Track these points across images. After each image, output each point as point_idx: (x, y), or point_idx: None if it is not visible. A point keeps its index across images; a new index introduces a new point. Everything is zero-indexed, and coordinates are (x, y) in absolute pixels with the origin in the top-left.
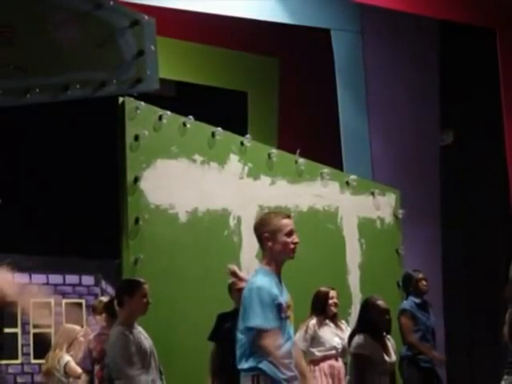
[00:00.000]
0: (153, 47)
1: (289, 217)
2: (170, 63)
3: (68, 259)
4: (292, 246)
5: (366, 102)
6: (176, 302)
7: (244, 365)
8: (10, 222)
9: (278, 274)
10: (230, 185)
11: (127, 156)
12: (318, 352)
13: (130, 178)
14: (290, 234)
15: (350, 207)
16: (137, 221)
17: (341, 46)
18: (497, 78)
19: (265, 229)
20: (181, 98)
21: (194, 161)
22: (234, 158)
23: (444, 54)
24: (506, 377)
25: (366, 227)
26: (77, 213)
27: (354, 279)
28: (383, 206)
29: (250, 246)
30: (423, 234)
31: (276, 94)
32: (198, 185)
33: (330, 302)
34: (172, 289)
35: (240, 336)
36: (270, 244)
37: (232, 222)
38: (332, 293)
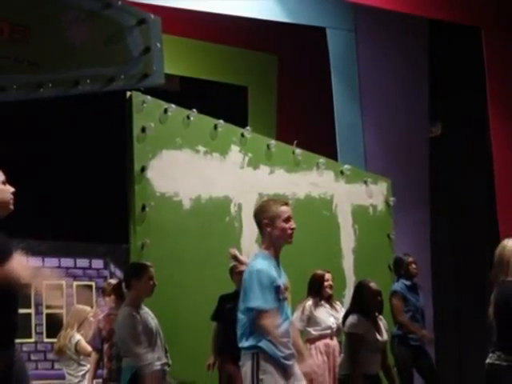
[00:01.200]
0: (158, 44)
1: (287, 204)
2: (175, 59)
3: (79, 244)
4: (290, 232)
5: (359, 96)
6: (180, 284)
7: (244, 343)
8: (25, 209)
9: (276, 257)
10: (231, 174)
11: (134, 147)
12: (314, 331)
13: (137, 167)
14: (287, 220)
15: (344, 195)
16: (143, 208)
17: (335, 43)
18: (482, 73)
19: (264, 215)
20: (185, 93)
21: (198, 151)
22: (234, 149)
23: (433, 50)
24: (491, 354)
25: (359, 214)
26: (87, 200)
27: (347, 263)
28: (375, 193)
29: (250, 231)
30: (413, 220)
31: (274, 89)
32: (201, 174)
33: (326, 284)
34: (176, 272)
35: (241, 316)
36: (269, 229)
37: (233, 209)
38: (327, 275)
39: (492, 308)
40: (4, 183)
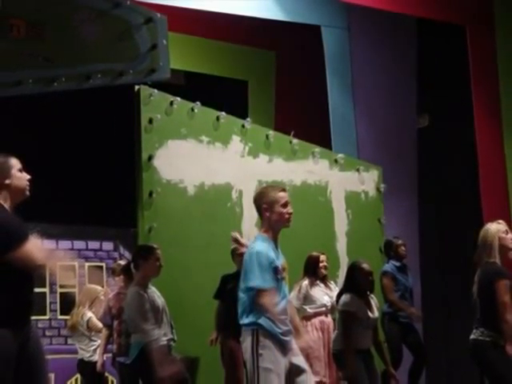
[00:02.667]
0: (165, 41)
1: (284, 190)
2: (180, 55)
3: (90, 227)
4: (287, 216)
5: (352, 90)
6: (185, 264)
7: (245, 320)
8: (40, 195)
9: (274, 240)
10: (232, 162)
11: (142, 137)
12: (309, 309)
13: (144, 156)
14: (285, 205)
15: (338, 182)
16: (151, 194)
17: (330, 40)
18: (467, 68)
19: (263, 201)
20: (189, 86)
21: (201, 141)
22: (236, 139)
23: (421, 47)
24: (474, 330)
25: (352, 199)
26: (98, 187)
27: (341, 245)
28: (367, 181)
29: (250, 216)
30: (402, 205)
31: (273, 83)
32: (204, 162)
33: (321, 265)
34: (182, 253)
35: (241, 295)
36: (267, 214)
37: (234, 195)
38: (322, 257)
39: (476, 287)
40: (21, 171)
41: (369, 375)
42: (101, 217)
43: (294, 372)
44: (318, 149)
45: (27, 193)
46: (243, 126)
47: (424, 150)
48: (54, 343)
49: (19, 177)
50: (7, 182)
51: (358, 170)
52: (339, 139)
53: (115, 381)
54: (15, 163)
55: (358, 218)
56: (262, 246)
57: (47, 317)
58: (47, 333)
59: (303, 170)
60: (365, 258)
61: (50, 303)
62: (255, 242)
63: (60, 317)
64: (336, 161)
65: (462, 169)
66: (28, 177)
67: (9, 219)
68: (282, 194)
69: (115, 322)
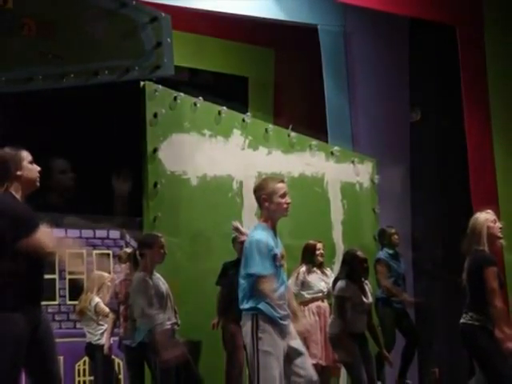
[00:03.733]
0: (169, 39)
1: (283, 181)
2: (184, 53)
3: (98, 217)
4: (285, 206)
5: (347, 86)
6: (188, 252)
7: (245, 305)
8: (50, 186)
9: (273, 229)
10: (233, 155)
11: (147, 130)
12: (307, 294)
13: (149, 148)
14: (283, 195)
15: (334, 173)
16: (155, 185)
17: (326, 39)
18: (457, 65)
19: (262, 191)
20: (192, 82)
21: (204, 134)
22: (236, 132)
23: (413, 45)
24: (464, 315)
25: (347, 190)
26: (105, 178)
27: (337, 234)
28: (362, 172)
29: (250, 205)
30: (395, 195)
31: (272, 79)
32: (206, 154)
33: (317, 252)
34: (185, 242)
35: (242, 281)
36: (266, 204)
37: (235, 186)
38: (319, 245)
39: (465, 274)
40: (31, 163)
41: (363, 358)
42: (108, 207)
43: (291, 355)
44: (314, 142)
45: (38, 184)
46: (243, 120)
47: (416, 142)
48: (63, 327)
49: (30, 168)
50: (19, 173)
51: (353, 162)
52: (335, 133)
53: (121, 363)
54: (26, 155)
55: (353, 208)
56: (262, 235)
57: (56, 302)
58: (56, 317)
59: (301, 162)
60: (360, 245)
61: (59, 289)
62: (255, 230)
63: (69, 302)
64: (332, 153)
65: (452, 159)
66: (38, 169)
67: (20, 209)
68: (280, 185)
69: (121, 307)
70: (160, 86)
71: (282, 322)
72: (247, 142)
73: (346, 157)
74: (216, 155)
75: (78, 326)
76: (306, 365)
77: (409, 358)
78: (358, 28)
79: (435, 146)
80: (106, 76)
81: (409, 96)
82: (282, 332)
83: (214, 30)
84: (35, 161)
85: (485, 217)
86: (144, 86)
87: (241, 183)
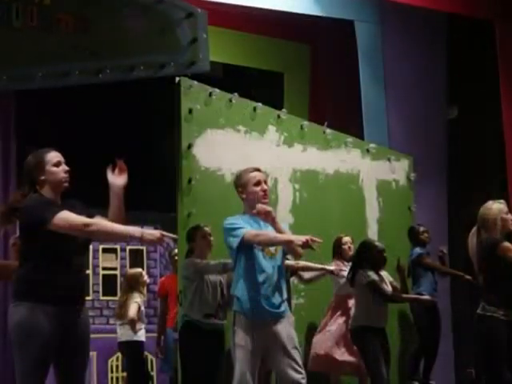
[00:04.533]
0: (204, 35)
1: (257, 170)
2: (219, 49)
3: (132, 212)
4: (261, 194)
5: (383, 82)
6: (222, 249)
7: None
8: (85, 181)
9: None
10: (268, 151)
11: (182, 126)
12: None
13: (184, 144)
14: (257, 183)
15: (370, 171)
16: (190, 181)
17: (363, 34)
18: (496, 61)
19: (238, 184)
20: (227, 78)
21: (238, 131)
22: (271, 129)
23: (451, 40)
24: (480, 306)
25: (383, 188)
26: (140, 174)
27: (372, 232)
28: (398, 170)
29: (284, 202)
30: (432, 193)
31: (308, 75)
32: (241, 151)
33: (344, 246)
34: (219, 238)
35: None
36: (243, 196)
37: (270, 183)
38: (345, 238)
39: (477, 265)
40: (57, 164)
41: (382, 353)
42: (143, 202)
43: (277, 352)
44: (350, 138)
45: (65, 185)
46: (279, 117)
47: (453, 140)
48: (97, 323)
49: (54, 172)
50: (42, 178)
51: (389, 160)
52: (371, 129)
53: (154, 360)
54: (51, 158)
55: (388, 206)
56: (230, 218)
57: (90, 297)
58: (90, 313)
59: (336, 159)
60: (394, 244)
61: (93, 284)
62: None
63: (102, 297)
64: (368, 150)
65: (489, 157)
66: (66, 169)
67: (45, 201)
68: (253, 174)
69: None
70: (195, 82)
71: (256, 316)
72: (282, 138)
73: (382, 154)
74: (250, 151)
75: (112, 321)
76: (293, 364)
77: (431, 357)
78: (395, 24)
79: (473, 143)
80: (142, 72)
81: (446, 92)
82: (259, 326)
83: (249, 25)
84: (67, 159)
85: (498, 207)
86: (179, 81)
87: (275, 180)
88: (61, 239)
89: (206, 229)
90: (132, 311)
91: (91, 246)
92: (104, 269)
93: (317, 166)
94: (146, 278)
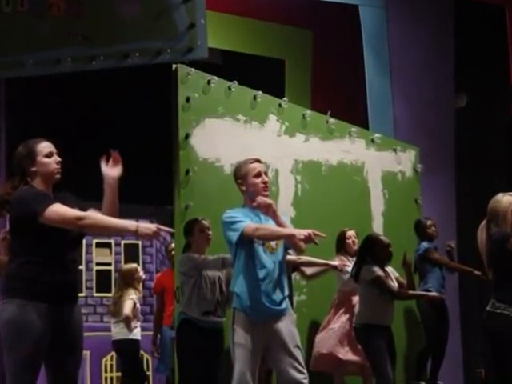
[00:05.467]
0: (203, 20)
1: (258, 161)
2: (218, 34)
3: (127, 205)
4: (262, 185)
5: (389, 69)
6: (220, 243)
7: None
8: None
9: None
10: (268, 141)
11: (179, 115)
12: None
13: (181, 134)
14: (257, 175)
15: (375, 162)
16: (187, 172)
17: (367, 19)
18: (506, 48)
19: (237, 176)
20: (226, 66)
21: (238, 120)
22: (272, 118)
23: (458, 26)
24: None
25: (388, 180)
26: (135, 165)
27: (377, 225)
28: (404, 161)
29: (286, 194)
30: (439, 185)
31: (310, 62)
32: (240, 141)
33: (348, 241)
34: (218, 232)
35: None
36: (243, 188)
37: (270, 174)
38: (349, 232)
39: (486, 259)
40: (49, 155)
41: (388, 352)
42: (138, 195)
43: (279, 351)
44: (354, 128)
45: (57, 176)
46: (280, 106)
47: (461, 129)
48: (90, 320)
49: (45, 163)
50: (33, 169)
51: (394, 150)
52: (376, 119)
53: (150, 359)
54: (42, 149)
55: (394, 198)
56: (230, 211)
57: (83, 294)
58: (83, 310)
59: (340, 149)
60: (401, 238)
61: (86, 280)
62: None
63: (96, 294)
64: (373, 140)
65: (497, 147)
66: (58, 160)
67: (36, 194)
68: (253, 165)
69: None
70: (193, 69)
71: (257, 314)
72: (283, 128)
73: (388, 144)
74: (251, 142)
75: (106, 319)
76: (295, 364)
77: (438, 356)
78: (401, 8)
79: (482, 133)
80: (137, 58)
81: (454, 80)
82: (262, 324)
83: (249, 10)
84: (59, 150)
85: (508, 199)
86: (176, 69)
87: (276, 171)
88: (53, 233)
89: (204, 222)
90: (127, 308)
91: (84, 241)
92: (98, 264)
93: (319, 156)
94: (141, 273)
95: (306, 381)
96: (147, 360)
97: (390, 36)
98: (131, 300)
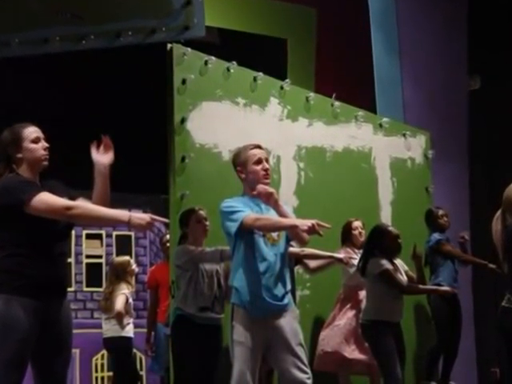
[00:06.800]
0: None
1: (258, 147)
2: (216, 12)
3: (119, 194)
4: (263, 173)
5: (398, 49)
6: (218, 233)
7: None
8: (66, 160)
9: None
10: (270, 126)
11: (175, 98)
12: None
13: (177, 118)
14: (258, 162)
15: (383, 148)
16: (183, 159)
17: None
18: None
19: (236, 163)
20: (225, 45)
21: (237, 103)
22: (274, 101)
23: (472, 3)
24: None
25: (397, 167)
26: (127, 151)
27: (385, 215)
28: (414, 146)
29: (288, 182)
30: (452, 172)
31: (314, 41)
32: (240, 126)
33: (354, 232)
34: (216, 222)
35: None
36: (243, 176)
37: (272, 161)
38: (355, 223)
39: (501, 251)
40: (36, 141)
41: (397, 350)
42: (130, 183)
43: (281, 350)
44: (361, 112)
45: (44, 163)
46: (282, 88)
47: (474, 113)
48: (79, 317)
49: (31, 149)
50: (19, 156)
51: (404, 135)
52: (384, 102)
53: (144, 358)
54: (28, 134)
55: (403, 187)
56: (228, 200)
57: (72, 289)
58: (72, 306)
59: (345, 134)
60: (411, 229)
61: (76, 274)
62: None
63: (86, 289)
64: (381, 125)
65: None
66: (45, 145)
67: (22, 181)
68: (253, 151)
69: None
70: (189, 49)
71: (257, 310)
72: (285, 111)
73: (397, 129)
74: (251, 126)
75: (96, 315)
76: (297, 363)
77: (451, 355)
78: None
79: (497, 117)
80: (130, 38)
81: (467, 61)
82: (263, 320)
83: None
84: (46, 135)
85: None
86: (171, 48)
87: (278, 158)
88: (40, 224)
89: (201, 212)
90: (119, 304)
91: (73, 232)
92: (88, 257)
93: (324, 142)
94: (134, 266)
95: (309, 381)
96: (140, 359)
97: (399, 13)
98: (123, 295)
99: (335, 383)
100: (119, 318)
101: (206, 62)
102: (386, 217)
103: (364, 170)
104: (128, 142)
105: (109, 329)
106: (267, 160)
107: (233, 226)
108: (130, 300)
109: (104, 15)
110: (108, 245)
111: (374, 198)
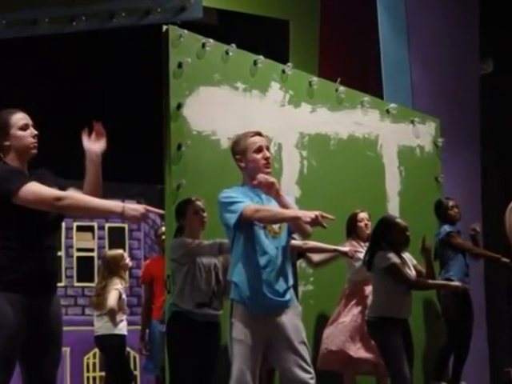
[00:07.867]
0: None
1: (259, 134)
2: None
3: (112, 184)
4: (263, 161)
5: (406, 31)
6: (216, 224)
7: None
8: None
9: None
10: (271, 112)
11: (170, 83)
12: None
13: (173, 104)
14: (258, 150)
15: (390, 135)
16: (179, 147)
17: None
18: None
19: (236, 152)
20: (223, 27)
21: (236, 88)
22: (275, 86)
23: None
24: None
25: (405, 155)
26: (121, 139)
27: (393, 206)
28: (423, 134)
29: (289, 171)
30: (462, 160)
31: (317, 23)
32: (239, 112)
33: (360, 224)
34: (213, 213)
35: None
36: (242, 165)
37: (273, 149)
38: (361, 215)
39: None
40: (24, 128)
41: (405, 349)
42: (123, 172)
43: (282, 348)
44: (367, 97)
45: (33, 151)
46: (283, 72)
47: (487, 98)
48: (70, 313)
49: (19, 136)
50: (6, 143)
51: (412, 122)
52: (392, 87)
53: (138, 357)
54: (16, 121)
55: (412, 176)
56: (227, 190)
57: (62, 284)
58: (62, 302)
59: (350, 121)
60: (420, 220)
61: (66, 268)
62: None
63: (76, 284)
64: (388, 111)
65: None
66: (34, 133)
67: (9, 171)
68: (253, 139)
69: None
70: (186, 31)
71: (257, 306)
72: (287, 97)
73: (405, 115)
74: (251, 113)
75: (88, 311)
76: (300, 362)
77: (462, 354)
78: None
79: (509, 102)
80: (123, 19)
81: (479, 45)
82: (264, 317)
83: None
84: (36, 121)
85: None
86: (167, 30)
87: (279, 146)
88: (28, 215)
89: (199, 203)
90: (111, 300)
91: (64, 224)
92: (78, 250)
93: (328, 129)
94: (127, 260)
95: (312, 381)
96: (134, 358)
97: None
98: (116, 290)
99: (340, 383)
100: (112, 314)
101: (203, 45)
102: (393, 208)
103: (370, 158)
104: (121, 129)
105: (101, 326)
106: (268, 148)
107: (232, 218)
108: (124, 296)
109: None
110: (100, 237)
111: (381, 188)
